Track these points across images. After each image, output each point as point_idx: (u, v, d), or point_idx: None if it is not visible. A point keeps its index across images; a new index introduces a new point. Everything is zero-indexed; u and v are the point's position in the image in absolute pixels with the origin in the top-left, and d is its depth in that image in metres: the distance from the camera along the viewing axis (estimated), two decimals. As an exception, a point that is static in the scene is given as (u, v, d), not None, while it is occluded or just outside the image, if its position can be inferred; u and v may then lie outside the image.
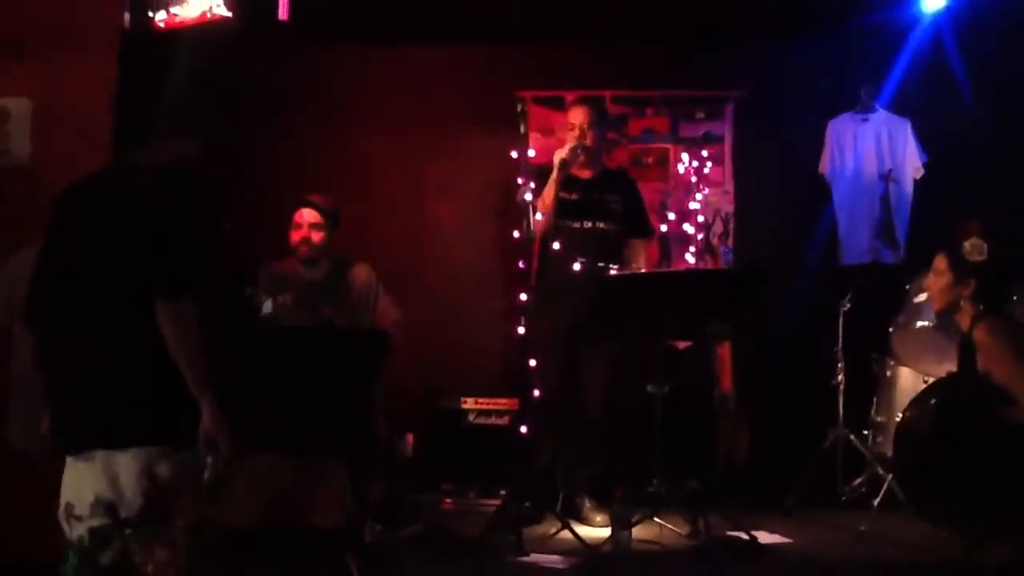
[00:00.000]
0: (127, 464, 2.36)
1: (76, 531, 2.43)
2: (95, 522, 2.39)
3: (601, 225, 4.53)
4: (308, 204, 4.37)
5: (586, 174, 4.58)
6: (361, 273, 4.47)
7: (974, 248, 4.02)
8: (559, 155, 4.43)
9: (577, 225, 4.48)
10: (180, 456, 2.39)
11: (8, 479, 3.68)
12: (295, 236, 4.38)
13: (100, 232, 2.43)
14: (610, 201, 4.58)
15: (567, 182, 4.49)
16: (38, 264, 2.54)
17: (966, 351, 4.02)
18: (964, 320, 3.99)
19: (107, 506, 2.38)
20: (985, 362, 3.87)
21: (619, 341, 4.71)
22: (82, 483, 2.42)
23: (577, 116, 4.57)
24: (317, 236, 4.36)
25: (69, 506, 2.45)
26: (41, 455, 3.58)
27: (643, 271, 4.60)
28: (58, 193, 2.60)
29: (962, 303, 3.99)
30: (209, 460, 2.43)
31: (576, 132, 4.52)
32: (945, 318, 4.23)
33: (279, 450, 3.48)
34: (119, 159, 2.55)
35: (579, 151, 4.47)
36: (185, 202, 2.44)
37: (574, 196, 4.50)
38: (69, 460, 2.47)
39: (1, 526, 3.63)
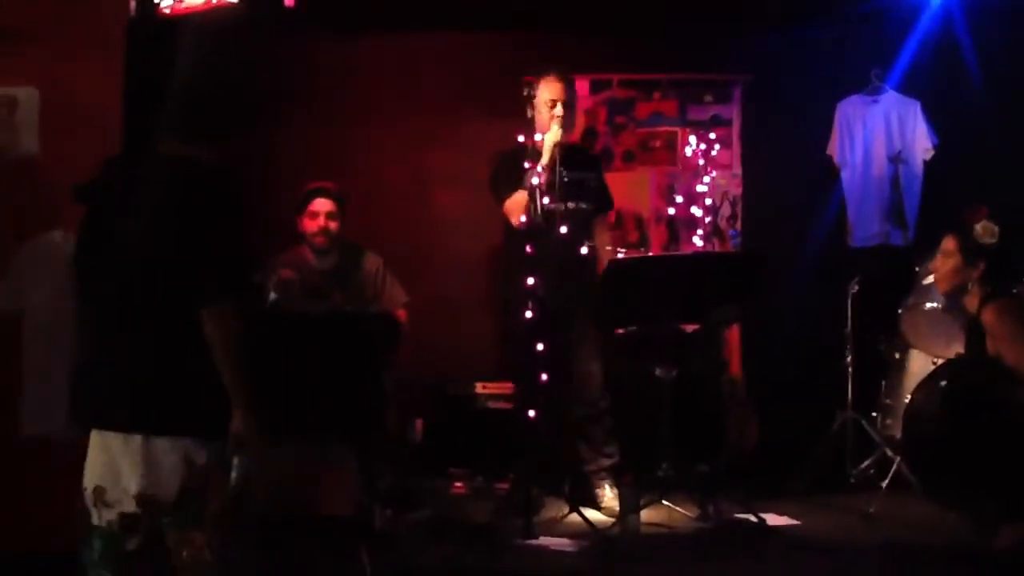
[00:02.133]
0: (166, 451, 2.39)
1: (106, 516, 2.45)
2: (127, 508, 2.42)
3: (583, 205, 4.39)
4: (324, 193, 4.35)
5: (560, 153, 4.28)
6: (370, 261, 4.48)
7: (986, 231, 3.99)
8: (552, 137, 4.23)
9: (570, 206, 4.30)
10: (215, 443, 2.42)
11: (17, 468, 3.70)
12: (311, 225, 4.36)
13: (159, 222, 2.45)
14: (588, 179, 4.45)
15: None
16: (91, 234, 2.56)
17: (973, 333, 4.01)
18: (972, 302, 3.98)
19: (143, 495, 2.40)
20: (995, 344, 3.86)
21: (628, 326, 4.71)
22: (117, 468, 2.43)
23: (556, 91, 4.35)
24: (334, 225, 4.35)
25: (99, 490, 2.46)
26: (51, 443, 3.65)
27: (650, 255, 4.57)
28: (109, 163, 2.62)
29: (970, 285, 3.98)
30: (236, 460, 2.45)
31: (557, 107, 4.30)
32: (953, 300, 4.21)
33: (289, 438, 3.49)
34: (166, 148, 2.53)
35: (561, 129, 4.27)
36: (231, 205, 2.48)
37: (550, 177, 4.25)
38: (96, 441, 2.47)
39: (8, 516, 3.65)
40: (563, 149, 4.32)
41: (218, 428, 2.40)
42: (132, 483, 2.41)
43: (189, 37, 3.61)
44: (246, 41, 4.20)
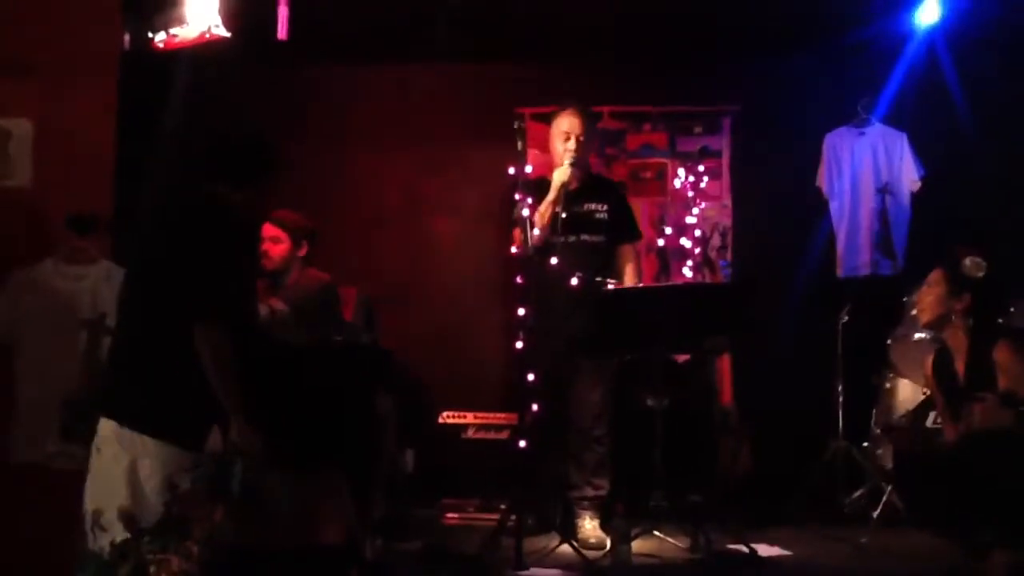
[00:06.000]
0: (149, 473, 2.43)
1: (100, 541, 2.47)
2: (118, 535, 2.44)
3: (586, 237, 4.43)
4: (270, 220, 4.37)
5: (572, 186, 4.40)
6: (344, 293, 4.43)
7: (974, 265, 3.97)
8: (560, 177, 4.32)
9: (571, 239, 4.37)
10: (199, 470, 2.47)
11: (7, 493, 3.69)
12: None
13: (160, 242, 2.67)
14: (595, 211, 4.48)
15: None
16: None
17: (945, 362, 4.00)
18: (954, 335, 3.95)
19: (128, 517, 2.43)
20: (1011, 382, 3.73)
21: (618, 356, 4.73)
22: (110, 490, 2.46)
23: (573, 125, 4.41)
24: (275, 250, 4.31)
25: (97, 513, 2.49)
26: (42, 470, 3.65)
27: (640, 285, 4.58)
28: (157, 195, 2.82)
29: (953, 318, 3.96)
30: (236, 471, 2.50)
31: (571, 141, 4.38)
32: (935, 332, 4.20)
33: (280, 467, 3.49)
34: (203, 183, 2.69)
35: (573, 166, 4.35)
36: (231, 234, 2.62)
37: (558, 209, 4.33)
38: (95, 460, 2.52)
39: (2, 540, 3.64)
40: (578, 182, 4.42)
41: (194, 439, 2.46)
42: (117, 507, 2.43)
43: (186, 72, 3.70)
44: (242, 75, 4.26)
